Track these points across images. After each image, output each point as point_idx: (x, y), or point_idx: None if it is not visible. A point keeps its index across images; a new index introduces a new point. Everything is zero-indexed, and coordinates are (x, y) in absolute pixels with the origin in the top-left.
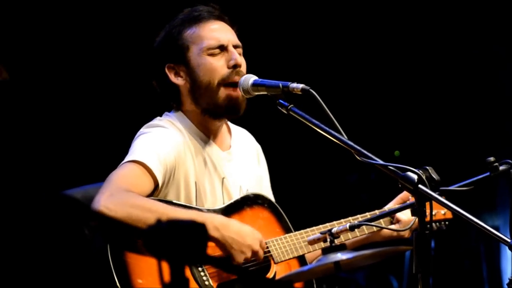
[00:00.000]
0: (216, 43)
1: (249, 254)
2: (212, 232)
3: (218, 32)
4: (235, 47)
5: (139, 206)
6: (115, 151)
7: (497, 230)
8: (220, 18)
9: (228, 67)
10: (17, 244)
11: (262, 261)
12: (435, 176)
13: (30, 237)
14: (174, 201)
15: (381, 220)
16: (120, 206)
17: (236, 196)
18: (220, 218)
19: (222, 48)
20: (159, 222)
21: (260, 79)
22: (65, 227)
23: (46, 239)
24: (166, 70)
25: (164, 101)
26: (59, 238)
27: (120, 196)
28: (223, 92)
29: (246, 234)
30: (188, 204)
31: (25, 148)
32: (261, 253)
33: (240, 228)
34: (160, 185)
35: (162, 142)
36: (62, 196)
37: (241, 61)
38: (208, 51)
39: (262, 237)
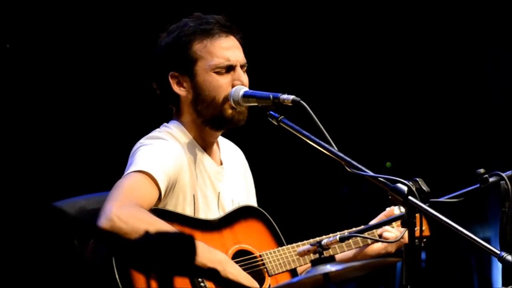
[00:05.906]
0: (225, 63)
1: None
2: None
3: (228, 51)
4: (242, 66)
5: (148, 223)
6: (105, 162)
7: (488, 242)
8: (230, 32)
9: (233, 87)
10: (11, 252)
11: (257, 274)
12: (425, 187)
13: (22, 248)
14: (179, 213)
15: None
16: (131, 219)
17: (229, 209)
18: (219, 257)
19: (230, 69)
20: (160, 243)
21: (251, 91)
22: (57, 239)
23: (42, 250)
24: (169, 78)
25: (163, 104)
26: (55, 250)
27: (131, 209)
28: (228, 105)
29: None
30: (191, 216)
31: (14, 156)
32: None
33: (239, 274)
34: (162, 196)
35: (165, 154)
36: (54, 208)
37: (246, 81)
38: (215, 69)
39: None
